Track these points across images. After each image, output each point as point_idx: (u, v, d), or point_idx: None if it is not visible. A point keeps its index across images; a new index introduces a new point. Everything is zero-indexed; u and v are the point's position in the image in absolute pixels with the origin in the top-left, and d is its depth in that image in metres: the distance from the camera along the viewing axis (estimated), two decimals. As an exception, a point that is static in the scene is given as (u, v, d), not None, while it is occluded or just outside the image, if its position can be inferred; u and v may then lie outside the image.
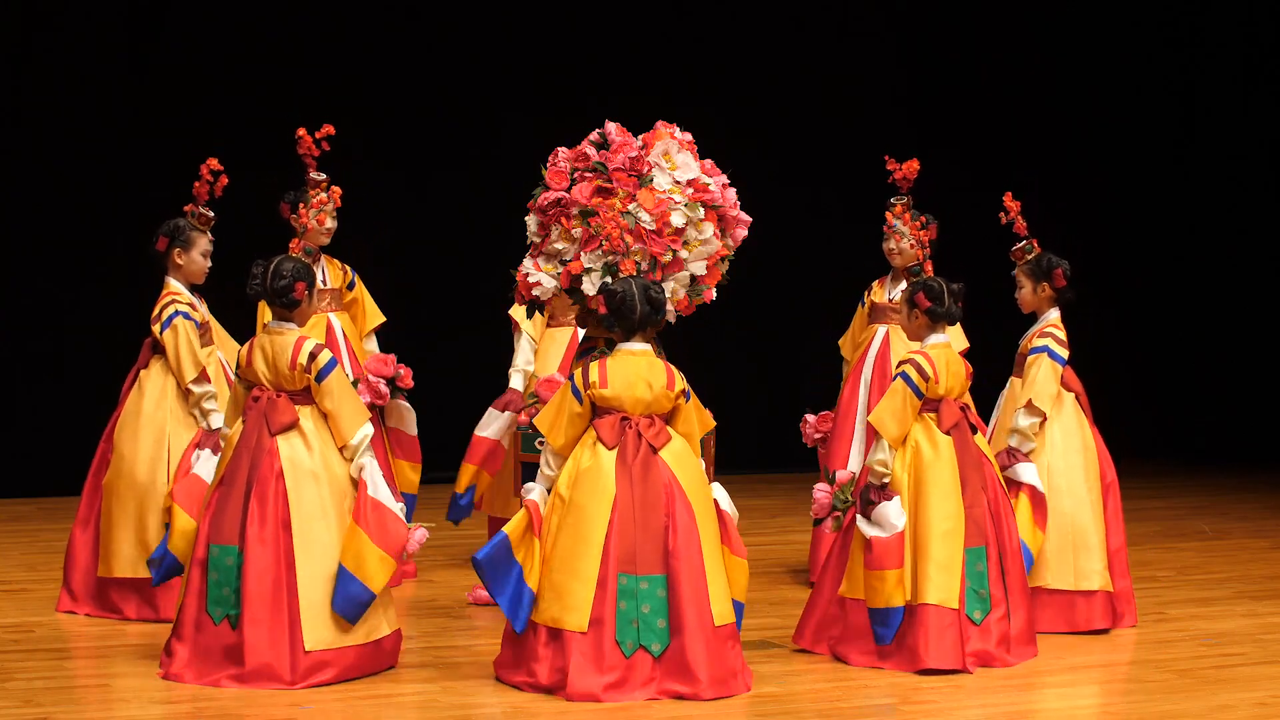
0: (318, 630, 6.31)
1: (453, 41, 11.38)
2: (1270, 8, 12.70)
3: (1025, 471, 7.28)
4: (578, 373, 6.38)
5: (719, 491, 6.53)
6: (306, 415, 6.45)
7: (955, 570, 6.65)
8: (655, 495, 6.27)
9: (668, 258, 6.77)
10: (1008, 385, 7.61)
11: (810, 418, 8.18)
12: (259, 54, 10.88)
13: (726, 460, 8.55)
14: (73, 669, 6.67)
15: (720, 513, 6.48)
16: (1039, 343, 7.43)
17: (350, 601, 6.32)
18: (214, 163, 7.47)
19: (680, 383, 6.40)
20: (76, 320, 10.72)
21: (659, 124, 7.06)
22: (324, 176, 8.09)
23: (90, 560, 7.47)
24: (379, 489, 6.40)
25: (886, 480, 6.71)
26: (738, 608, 6.42)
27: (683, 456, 6.38)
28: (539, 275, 7.00)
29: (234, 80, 10.78)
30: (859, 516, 6.71)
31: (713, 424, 6.54)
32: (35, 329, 10.70)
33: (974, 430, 6.90)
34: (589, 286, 6.78)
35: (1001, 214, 7.63)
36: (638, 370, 6.35)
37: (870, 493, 6.71)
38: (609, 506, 6.25)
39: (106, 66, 10.71)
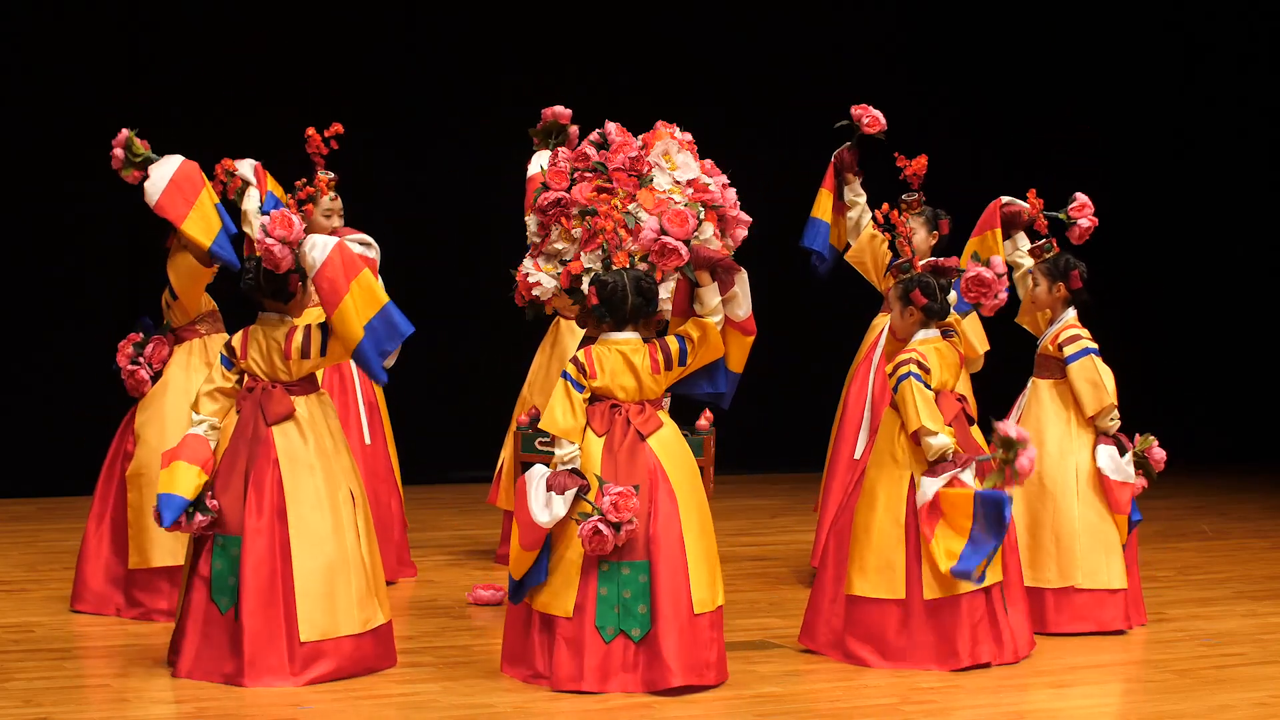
0: (313, 620, 6.32)
1: (451, 41, 11.38)
2: None
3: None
4: (570, 366, 6.41)
5: None
6: (302, 405, 6.47)
7: None
8: (638, 481, 6.32)
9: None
10: (1029, 385, 7.62)
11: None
12: (274, 54, 10.88)
13: (727, 460, 8.56)
14: (73, 669, 6.67)
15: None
16: (1073, 349, 7.45)
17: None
18: (229, 163, 7.45)
19: (664, 360, 6.42)
20: (76, 320, 10.71)
21: (659, 124, 7.06)
22: (332, 175, 8.07)
23: (110, 555, 7.45)
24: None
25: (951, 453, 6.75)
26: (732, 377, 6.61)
27: (671, 444, 6.43)
28: (539, 275, 7.01)
29: (236, 77, 10.78)
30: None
31: (720, 352, 6.53)
32: (36, 328, 10.70)
33: (971, 422, 6.93)
34: (589, 286, 6.79)
35: (1024, 211, 7.67)
36: (624, 359, 6.40)
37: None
38: (593, 491, 6.30)
39: (107, 61, 10.72)
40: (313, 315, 8.02)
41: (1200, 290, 13.02)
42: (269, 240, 6.32)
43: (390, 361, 6.50)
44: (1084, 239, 7.82)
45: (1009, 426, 6.71)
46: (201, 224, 7.18)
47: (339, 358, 6.50)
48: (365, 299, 6.35)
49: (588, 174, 6.92)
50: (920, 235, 8.11)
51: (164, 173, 7.19)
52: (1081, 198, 7.78)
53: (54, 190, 10.62)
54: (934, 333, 6.91)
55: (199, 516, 6.34)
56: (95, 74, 10.69)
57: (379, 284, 6.46)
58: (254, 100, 10.69)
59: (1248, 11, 12.85)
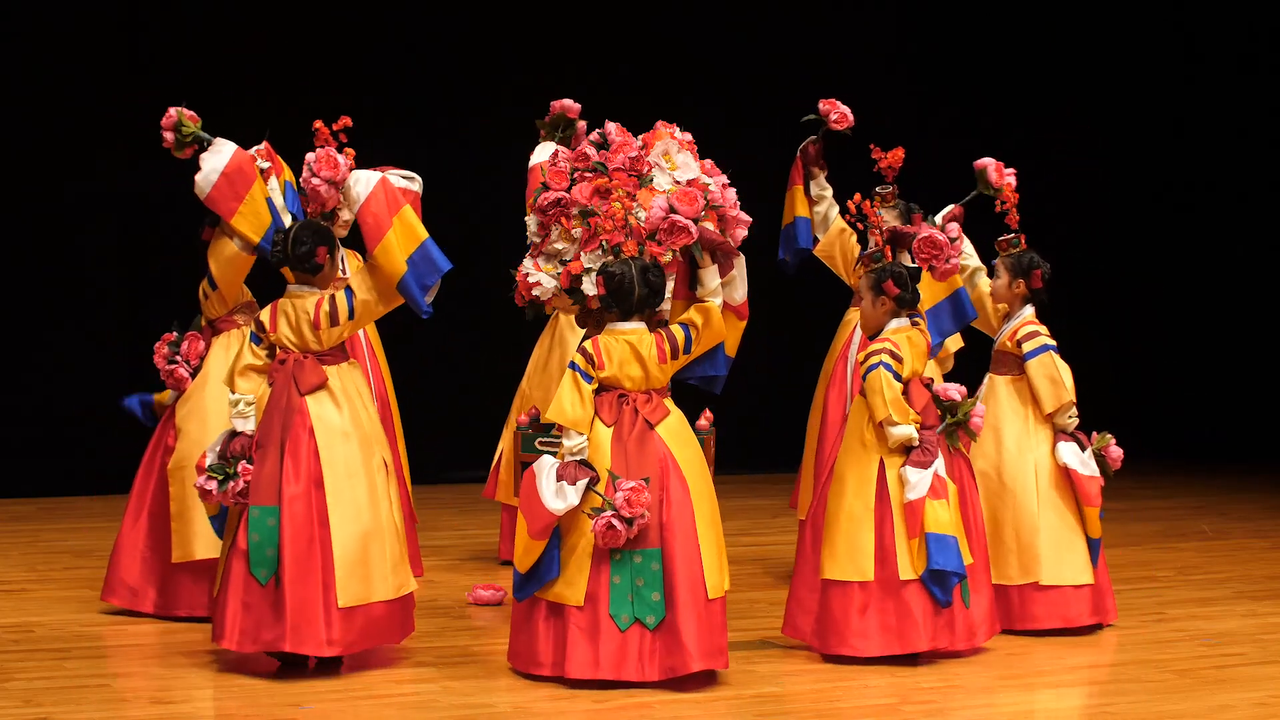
0: (350, 587, 6.39)
1: (451, 41, 11.39)
2: None
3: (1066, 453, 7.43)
4: (579, 356, 6.44)
5: None
6: (334, 374, 6.52)
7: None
8: (649, 470, 6.34)
9: (667, 257, 6.78)
10: (986, 381, 7.61)
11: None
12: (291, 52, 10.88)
13: (727, 460, 8.56)
14: (73, 669, 6.67)
15: None
16: (1032, 346, 7.45)
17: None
18: (268, 147, 7.44)
19: (670, 349, 6.48)
20: (76, 320, 10.72)
21: (659, 124, 7.06)
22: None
23: (146, 550, 7.41)
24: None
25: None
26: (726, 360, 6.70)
27: (679, 432, 6.48)
28: (539, 275, 7.01)
29: (236, 77, 10.79)
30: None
31: (722, 336, 6.62)
32: (36, 328, 10.70)
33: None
34: (589, 286, 6.80)
35: (999, 203, 7.66)
36: (631, 349, 6.44)
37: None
38: (603, 483, 6.32)
39: (107, 61, 10.72)
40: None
41: (1199, 289, 13.03)
42: (315, 180, 6.47)
43: (431, 297, 6.58)
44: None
45: (949, 389, 6.84)
46: (252, 220, 7.18)
47: (368, 318, 6.56)
48: (407, 234, 6.51)
49: (588, 174, 6.92)
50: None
51: (216, 165, 7.11)
52: (987, 162, 7.74)
53: (54, 190, 10.63)
54: (904, 321, 6.95)
55: (231, 483, 6.40)
56: (95, 74, 10.69)
57: (419, 221, 6.57)
58: (254, 100, 10.69)
59: (1248, 11, 12.86)
